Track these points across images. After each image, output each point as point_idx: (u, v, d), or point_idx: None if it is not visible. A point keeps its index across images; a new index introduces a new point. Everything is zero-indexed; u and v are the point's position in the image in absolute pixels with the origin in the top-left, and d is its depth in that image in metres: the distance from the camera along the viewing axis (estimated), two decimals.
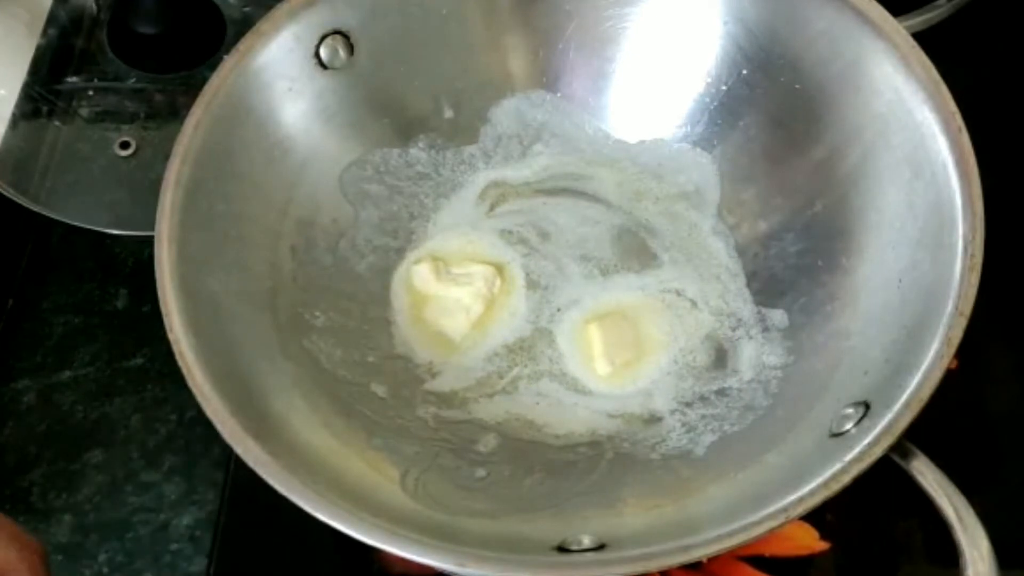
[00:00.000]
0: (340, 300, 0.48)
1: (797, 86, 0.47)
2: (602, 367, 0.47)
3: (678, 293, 0.50)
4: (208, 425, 0.37)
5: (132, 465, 0.49)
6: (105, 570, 0.47)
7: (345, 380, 0.46)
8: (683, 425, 0.45)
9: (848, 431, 0.37)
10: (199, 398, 0.38)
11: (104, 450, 0.49)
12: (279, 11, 0.46)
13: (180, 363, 0.38)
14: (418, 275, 0.50)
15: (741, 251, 0.50)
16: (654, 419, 0.46)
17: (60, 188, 0.56)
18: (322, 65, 0.48)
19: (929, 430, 0.36)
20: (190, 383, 0.38)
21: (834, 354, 0.43)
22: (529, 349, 0.48)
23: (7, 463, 0.50)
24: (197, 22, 0.61)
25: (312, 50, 0.47)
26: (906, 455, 0.37)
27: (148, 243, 0.41)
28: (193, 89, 0.45)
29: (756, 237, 0.50)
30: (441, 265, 0.50)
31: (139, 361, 0.51)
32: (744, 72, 0.49)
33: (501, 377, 0.48)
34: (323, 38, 0.47)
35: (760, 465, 0.40)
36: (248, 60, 0.45)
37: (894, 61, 0.42)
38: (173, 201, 0.42)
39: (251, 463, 0.36)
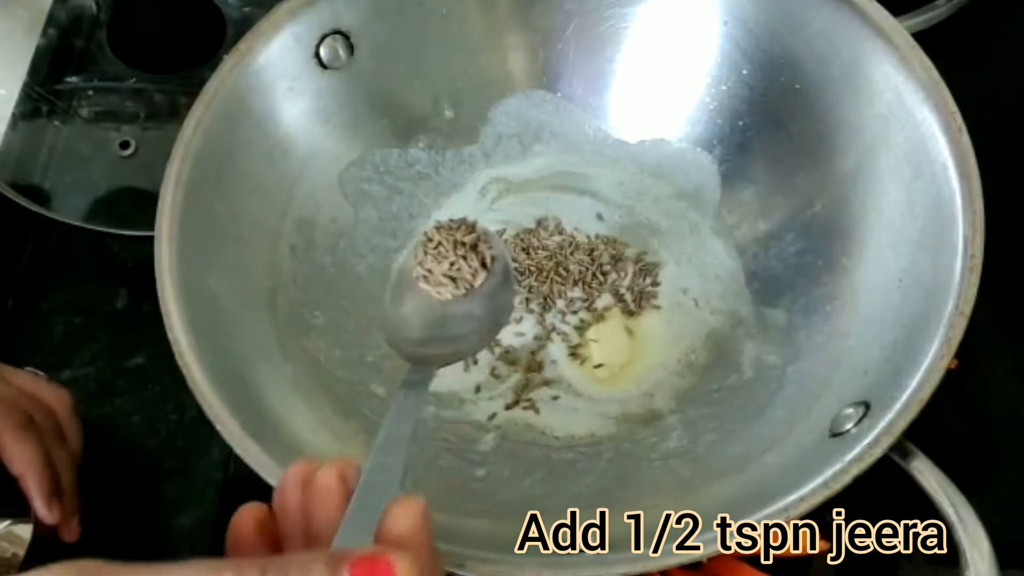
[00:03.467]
0: (340, 300, 0.48)
1: (797, 86, 0.47)
2: (601, 370, 0.47)
3: (679, 292, 0.50)
4: (208, 425, 0.37)
5: (132, 465, 0.49)
6: None
7: (345, 380, 0.46)
8: (683, 425, 0.45)
9: (848, 431, 0.37)
10: (199, 398, 0.38)
11: (104, 450, 0.49)
12: (279, 11, 0.46)
13: (180, 363, 0.39)
14: None
15: (741, 251, 0.50)
16: (654, 419, 0.46)
17: (60, 188, 0.56)
18: (322, 65, 0.48)
19: (929, 430, 0.36)
20: (190, 383, 0.38)
21: (834, 354, 0.43)
22: (530, 351, 0.48)
23: None
24: (197, 22, 0.61)
25: (312, 50, 0.47)
26: (906, 455, 0.37)
27: (148, 243, 0.41)
28: (193, 89, 0.45)
29: (756, 237, 0.50)
30: None
31: (139, 361, 0.51)
32: (744, 72, 0.49)
33: (502, 379, 0.48)
34: (323, 38, 0.47)
35: (760, 465, 0.40)
36: (248, 60, 0.45)
37: (894, 61, 0.42)
38: (173, 201, 0.42)
39: (251, 463, 0.36)
